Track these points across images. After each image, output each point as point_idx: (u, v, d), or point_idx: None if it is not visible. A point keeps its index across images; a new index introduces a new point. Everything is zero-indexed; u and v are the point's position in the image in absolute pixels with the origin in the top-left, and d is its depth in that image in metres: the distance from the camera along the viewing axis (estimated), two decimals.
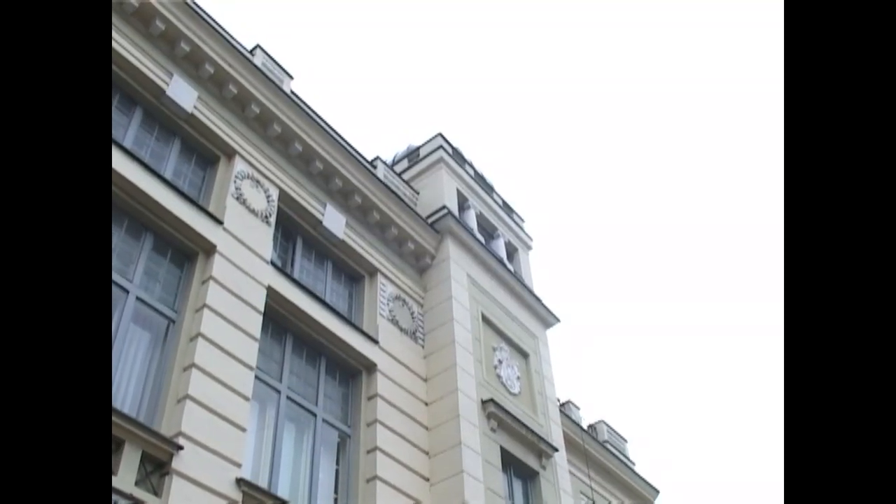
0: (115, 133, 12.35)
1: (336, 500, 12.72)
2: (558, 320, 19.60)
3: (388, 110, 73.40)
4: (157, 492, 9.79)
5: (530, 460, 15.92)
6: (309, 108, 16.12)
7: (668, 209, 70.85)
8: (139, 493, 9.52)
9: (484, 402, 15.24)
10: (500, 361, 16.77)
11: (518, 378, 17.10)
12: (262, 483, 11.54)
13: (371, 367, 14.40)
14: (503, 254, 19.66)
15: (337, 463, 13.23)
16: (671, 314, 69.43)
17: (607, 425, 24.41)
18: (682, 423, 66.57)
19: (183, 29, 13.66)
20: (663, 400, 67.80)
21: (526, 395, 17.14)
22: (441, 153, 19.55)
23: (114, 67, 12.64)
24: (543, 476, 16.00)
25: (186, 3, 13.85)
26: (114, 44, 12.56)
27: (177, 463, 10.05)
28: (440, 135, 20.11)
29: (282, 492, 11.81)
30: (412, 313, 16.18)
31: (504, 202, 21.30)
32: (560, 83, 70.93)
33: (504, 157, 67.89)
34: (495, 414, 15.25)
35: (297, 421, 13.06)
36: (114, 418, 9.68)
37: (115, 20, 12.79)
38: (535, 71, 71.73)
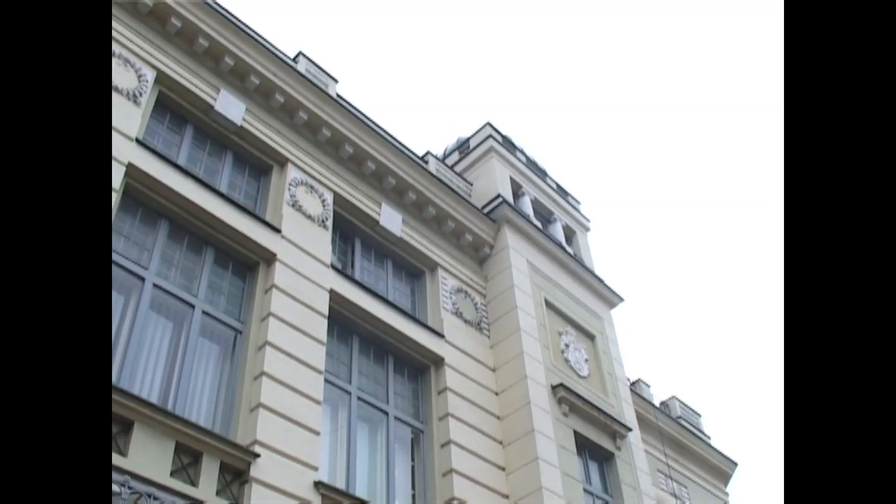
0: (169, 152, 12.60)
1: (413, 496, 12.84)
2: (622, 299, 19.52)
3: (434, 104, 73.42)
4: (237, 500, 10.01)
5: (605, 442, 15.90)
6: (356, 109, 16.23)
7: (721, 178, 70.07)
8: (221, 503, 9.72)
9: (554, 388, 15.25)
10: (567, 345, 16.76)
11: (586, 360, 17.08)
12: (340, 484, 11.71)
13: (439, 362, 14.48)
14: (561, 238, 19.62)
15: (412, 459, 13.35)
16: (733, 282, 68.67)
17: (679, 401, 24.25)
18: (755, 392, 65.88)
19: (226, 44, 13.85)
20: (735, 370, 67.11)
21: (595, 377, 17.11)
22: (491, 142, 19.56)
23: (162, 88, 12.92)
24: (619, 457, 15.98)
25: (228, 19, 14.02)
26: (160, 65, 12.83)
27: (255, 471, 10.24)
28: (489, 124, 20.12)
29: (360, 492, 11.96)
30: (475, 304, 16.23)
31: (558, 186, 21.25)
32: (593, 63, 70.46)
33: (553, 140, 67.62)
34: (566, 398, 15.25)
35: (369, 420, 13.20)
36: (191, 431, 9.92)
37: (160, 42, 13.06)
38: (571, 50, 71.30)
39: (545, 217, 20.00)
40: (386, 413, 13.35)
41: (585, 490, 14.70)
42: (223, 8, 14.36)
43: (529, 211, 19.09)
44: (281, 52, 15.28)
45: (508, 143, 20.30)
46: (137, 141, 11.80)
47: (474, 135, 20.32)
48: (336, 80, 16.26)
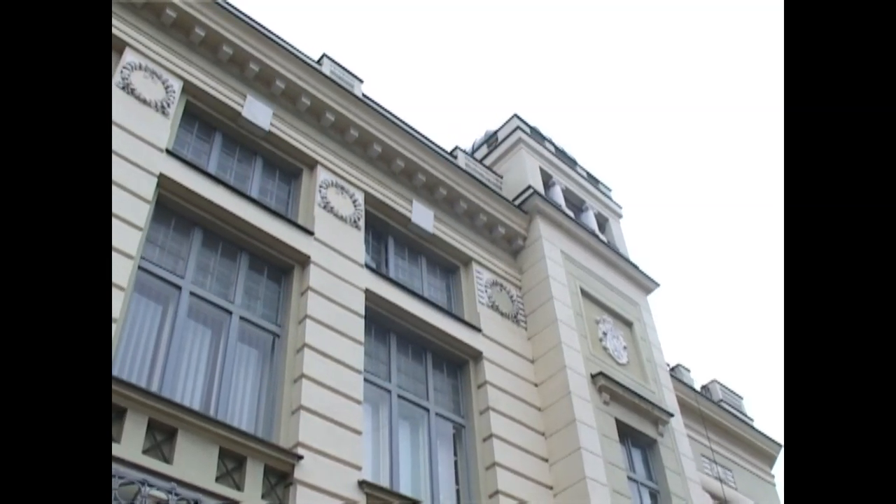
0: (199, 160, 12.73)
1: (458, 491, 12.87)
2: (657, 285, 19.43)
3: (459, 101, 73.28)
4: (283, 502, 10.08)
5: (647, 429, 15.85)
6: (383, 108, 16.27)
7: (748, 163, 69.52)
8: None
9: (593, 377, 15.22)
10: (605, 333, 16.72)
11: (625, 348, 17.02)
12: (384, 483, 11.77)
13: (477, 356, 14.50)
14: (594, 226, 19.57)
15: (455, 454, 13.38)
16: (770, 262, 68.12)
17: (720, 384, 24.10)
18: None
19: (250, 50, 13.95)
20: (775, 350, 66.59)
21: (634, 364, 17.05)
22: (519, 134, 19.54)
23: (190, 98, 13.06)
24: (662, 443, 15.92)
25: (251, 25, 14.13)
26: (186, 75, 12.98)
27: (299, 473, 10.32)
28: (516, 115, 20.10)
29: (403, 489, 12.01)
30: (511, 297, 16.23)
31: (588, 174, 21.18)
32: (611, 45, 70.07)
33: (579, 130, 67.37)
34: (606, 387, 15.22)
35: (410, 418, 13.25)
36: (234, 436, 10.04)
37: (185, 52, 13.20)
38: (588, 46, 70.96)
39: (577, 206, 19.95)
40: (427, 410, 13.39)
41: (629, 478, 14.67)
42: (245, 15, 14.46)
43: (561, 200, 19.04)
44: (305, 55, 15.36)
45: (537, 134, 20.26)
46: (168, 151, 11.91)
47: (502, 127, 20.31)
48: (361, 81, 16.31)
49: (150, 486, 8.35)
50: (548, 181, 19.32)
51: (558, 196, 19.12)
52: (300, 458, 10.40)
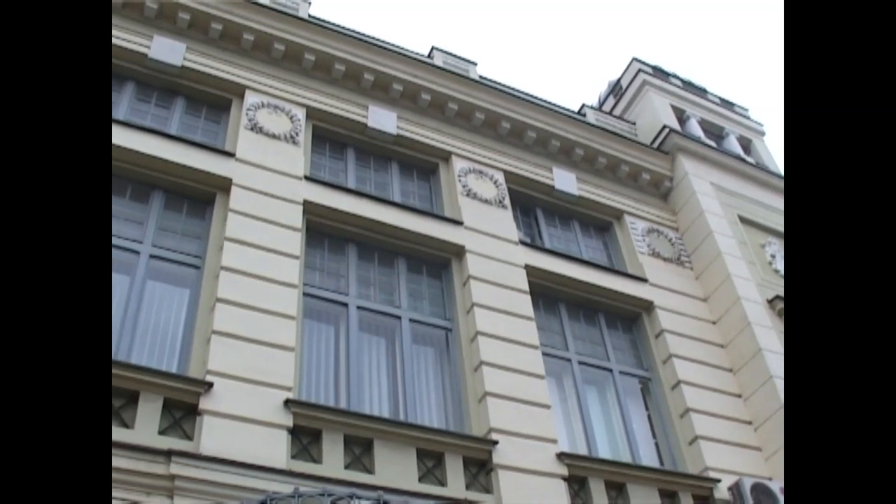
0: (337, 179, 13.15)
1: (656, 444, 12.83)
2: None
3: (574, 57, 72.33)
4: (488, 489, 10.31)
5: None
6: (502, 85, 16.35)
7: None
8: (473, 496, 10.06)
9: (770, 301, 14.87)
10: (773, 256, 16.31)
11: None
12: (582, 451, 11.85)
13: (649, 307, 14.39)
14: (738, 150, 19.07)
15: (646, 408, 13.31)
16: None
17: None
18: None
19: (362, 62, 14.28)
20: None
21: None
22: (642, 76, 19.23)
23: (315, 122, 13.52)
24: None
25: (356, 38, 14.48)
26: (307, 101, 13.47)
27: (497, 458, 10.52)
28: (635, 59, 19.78)
29: (602, 453, 12.06)
30: (670, 240, 16.03)
31: (721, 99, 20.65)
32: None
33: (701, 53, 65.59)
34: None
35: (595, 382, 13.28)
36: (427, 435, 10.38)
37: (301, 80, 13.73)
38: None
39: (716, 134, 19.49)
40: (609, 370, 13.38)
41: None
42: (348, 29, 14.84)
43: (699, 132, 18.65)
44: (414, 52, 15.58)
45: (660, 72, 19.89)
46: (306, 178, 12.31)
47: (623, 74, 20.01)
48: (475, 63, 16.40)
49: (359, 497, 8.66)
50: (681, 116, 18.96)
51: (695, 129, 18.74)
52: (495, 443, 10.60)
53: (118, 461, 8.19)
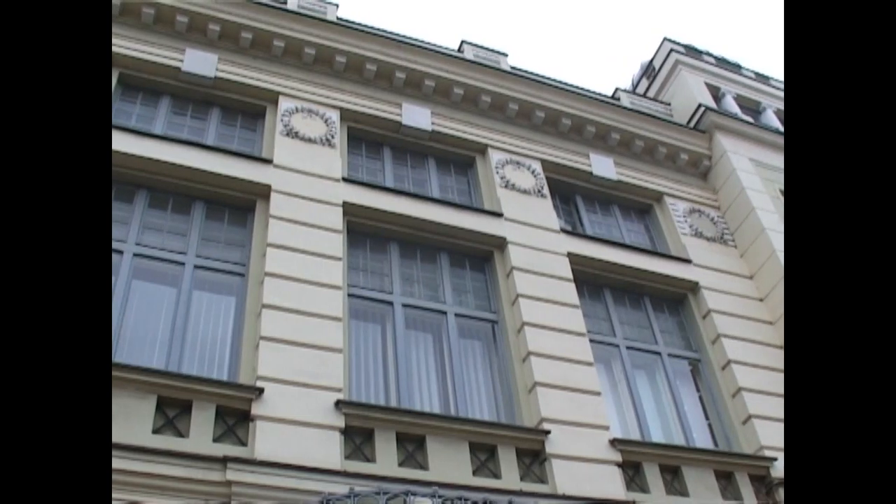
0: (375, 178, 13.26)
1: (710, 425, 12.75)
2: None
3: (604, 42, 71.93)
4: (542, 479, 10.33)
5: None
6: (534, 74, 16.34)
7: None
8: (528, 486, 10.07)
9: None
10: None
11: None
12: (635, 436, 11.84)
13: (695, 287, 14.30)
14: (777, 123, 18.86)
15: (697, 390, 13.25)
16: None
17: None
18: None
19: (392, 60, 14.36)
20: None
21: None
22: (675, 56, 19.10)
23: (349, 123, 13.61)
24: None
25: (386, 37, 14.55)
26: (340, 103, 13.58)
27: (549, 447, 10.53)
28: (666, 39, 19.64)
29: (655, 436, 12.03)
30: (712, 219, 15.91)
31: (757, 73, 20.44)
32: None
33: (733, 28, 64.96)
34: None
35: (644, 366, 13.24)
36: (479, 428, 10.43)
37: (333, 82, 13.86)
38: None
39: (753, 109, 19.29)
40: (658, 353, 13.32)
41: None
42: (377, 29, 14.91)
43: (736, 109, 18.48)
44: (444, 48, 15.63)
45: (692, 51, 19.73)
46: (344, 179, 12.40)
47: (655, 55, 19.87)
48: (505, 55, 16.40)
49: (414, 494, 8.73)
50: (717, 94, 18.80)
51: (731, 105, 18.57)
52: (548, 433, 10.62)
53: (174, 470, 8.36)
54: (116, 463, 8.01)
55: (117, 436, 8.32)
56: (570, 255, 13.39)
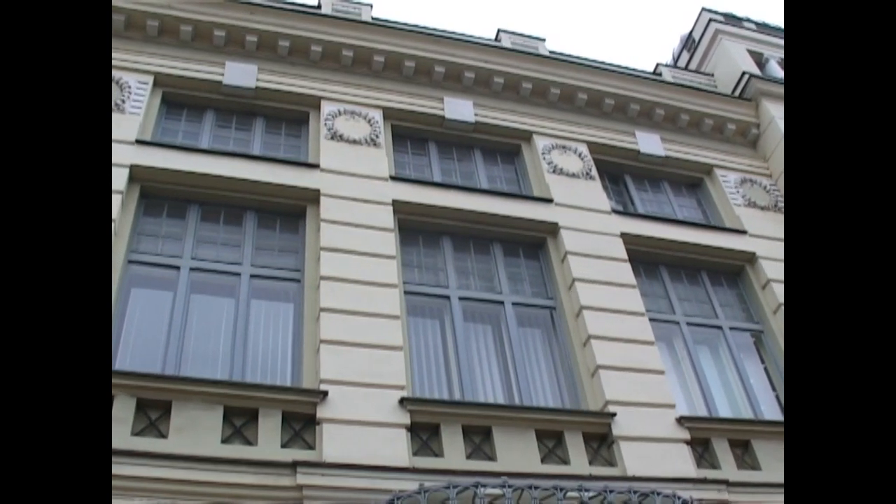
0: (422, 174, 13.34)
1: (777, 397, 12.59)
2: None
3: (640, 17, 71.22)
4: (611, 462, 10.28)
5: None
6: (572, 57, 16.27)
7: None
8: (597, 470, 10.01)
9: None
10: None
11: None
12: (702, 412, 11.74)
13: (752, 258, 14.13)
14: None
15: (762, 361, 13.09)
16: None
17: None
18: None
19: (430, 55, 14.42)
20: None
21: None
22: (714, 26, 18.87)
23: (393, 122, 13.74)
24: None
25: (421, 33, 14.64)
26: (382, 102, 13.71)
27: (616, 429, 10.49)
28: (704, 9, 19.41)
29: (723, 412, 11.90)
30: (765, 188, 15.70)
31: None
32: None
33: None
34: None
35: (706, 342, 13.12)
36: (544, 416, 10.47)
37: (373, 82, 13.97)
38: None
39: None
40: (720, 327, 13.18)
41: None
42: (410, 25, 15.00)
43: (780, 73, 18.24)
44: (480, 38, 15.63)
45: (732, 18, 19.47)
46: (392, 178, 12.46)
47: (694, 26, 19.64)
48: (543, 39, 16.35)
49: (483, 486, 8.76)
50: (760, 60, 18.52)
51: (776, 70, 18.28)
52: (613, 415, 10.58)
53: (246, 478, 8.49)
54: (188, 475, 8.17)
55: (187, 448, 8.51)
56: (623, 235, 13.31)
